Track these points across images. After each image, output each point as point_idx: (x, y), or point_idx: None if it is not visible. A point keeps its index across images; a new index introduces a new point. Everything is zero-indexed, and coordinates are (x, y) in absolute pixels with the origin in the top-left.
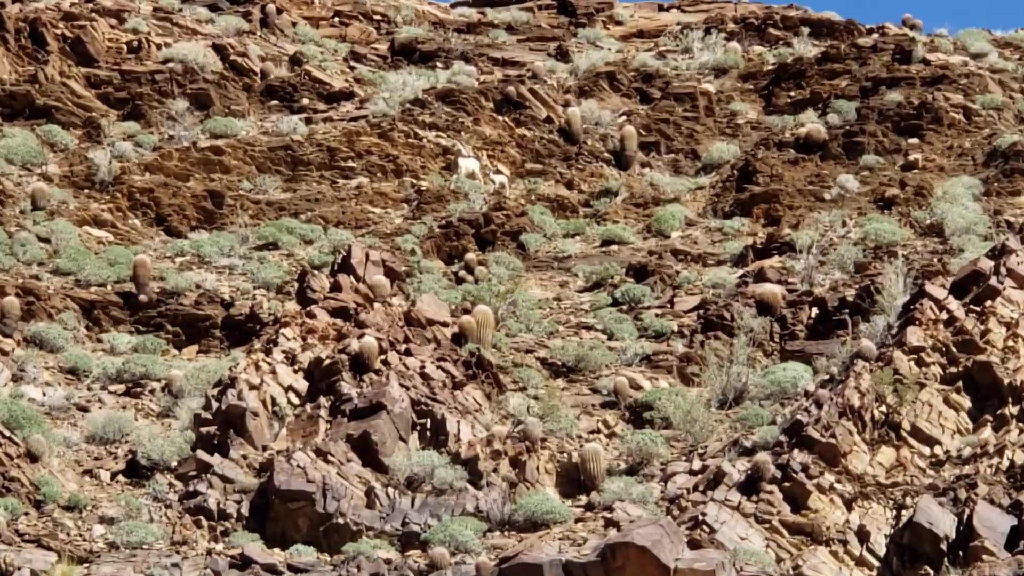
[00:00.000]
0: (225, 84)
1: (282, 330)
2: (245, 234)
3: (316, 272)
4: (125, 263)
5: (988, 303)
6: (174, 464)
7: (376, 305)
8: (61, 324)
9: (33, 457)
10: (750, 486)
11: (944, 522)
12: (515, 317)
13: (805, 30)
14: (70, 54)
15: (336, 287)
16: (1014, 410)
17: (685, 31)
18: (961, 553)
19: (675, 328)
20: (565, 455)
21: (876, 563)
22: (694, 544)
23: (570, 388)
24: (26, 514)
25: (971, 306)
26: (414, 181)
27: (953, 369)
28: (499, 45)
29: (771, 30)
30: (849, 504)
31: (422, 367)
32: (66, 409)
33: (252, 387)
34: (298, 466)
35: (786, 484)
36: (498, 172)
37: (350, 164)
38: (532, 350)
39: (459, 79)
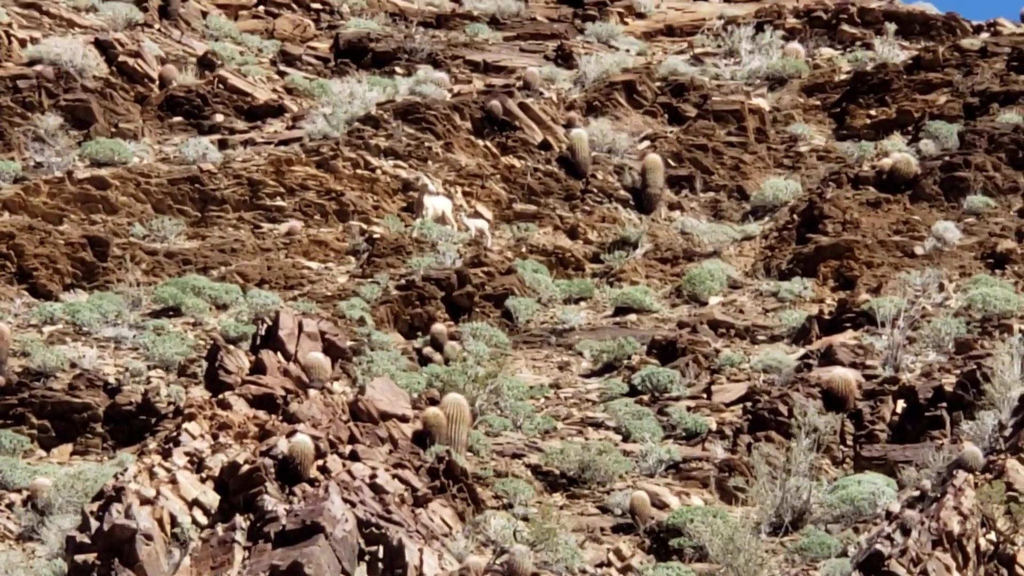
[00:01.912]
0: (112, 94)
1: (186, 425)
2: (137, 295)
3: (232, 348)
4: None
5: None
6: None
7: (312, 392)
8: None
9: None
10: None
11: None
12: (498, 410)
13: (891, 27)
14: None
15: (259, 368)
16: None
17: (729, 27)
18: None
19: (713, 426)
20: None
21: None
22: None
23: (571, 506)
24: None
25: None
26: (364, 226)
27: None
28: (480, 44)
29: (845, 27)
30: None
31: (373, 476)
32: None
33: (145, 501)
34: None
35: None
36: (477, 215)
37: (279, 203)
38: (521, 455)
39: (425, 89)
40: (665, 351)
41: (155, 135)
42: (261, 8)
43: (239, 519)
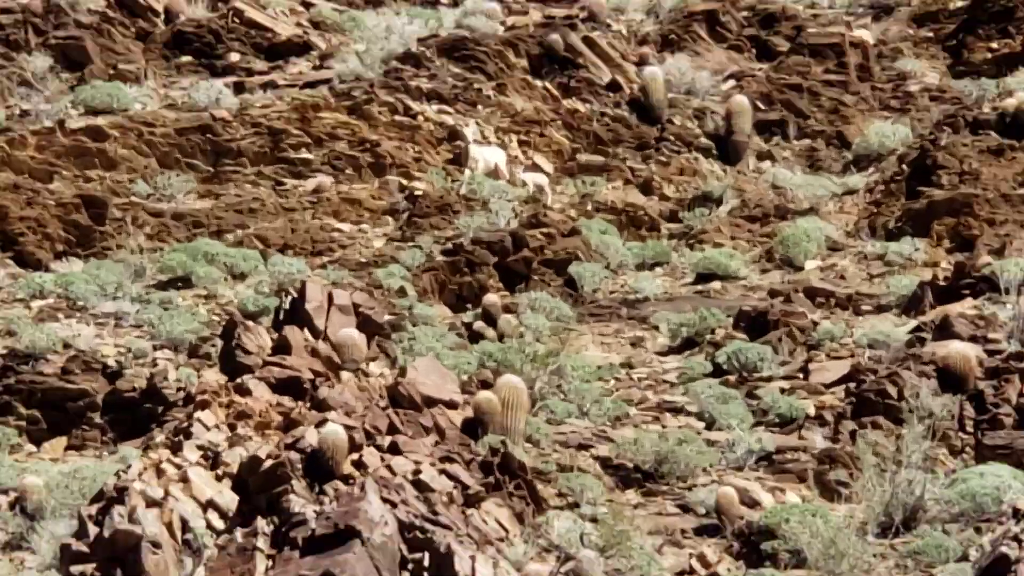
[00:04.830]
0: (109, 31)
1: (198, 414)
2: (140, 264)
3: (251, 324)
4: None
5: None
6: None
7: (345, 375)
8: None
9: None
10: None
11: None
12: (561, 394)
13: None
14: None
15: (282, 347)
16: None
17: None
18: None
19: (811, 411)
20: None
21: None
22: None
23: (647, 505)
24: None
25: None
26: (404, 182)
27: None
28: None
29: None
30: None
31: (416, 472)
32: None
33: (151, 503)
34: None
35: None
36: (535, 168)
37: (304, 155)
38: (588, 445)
39: (475, 23)
40: (755, 324)
41: (160, 78)
42: None
43: (261, 523)
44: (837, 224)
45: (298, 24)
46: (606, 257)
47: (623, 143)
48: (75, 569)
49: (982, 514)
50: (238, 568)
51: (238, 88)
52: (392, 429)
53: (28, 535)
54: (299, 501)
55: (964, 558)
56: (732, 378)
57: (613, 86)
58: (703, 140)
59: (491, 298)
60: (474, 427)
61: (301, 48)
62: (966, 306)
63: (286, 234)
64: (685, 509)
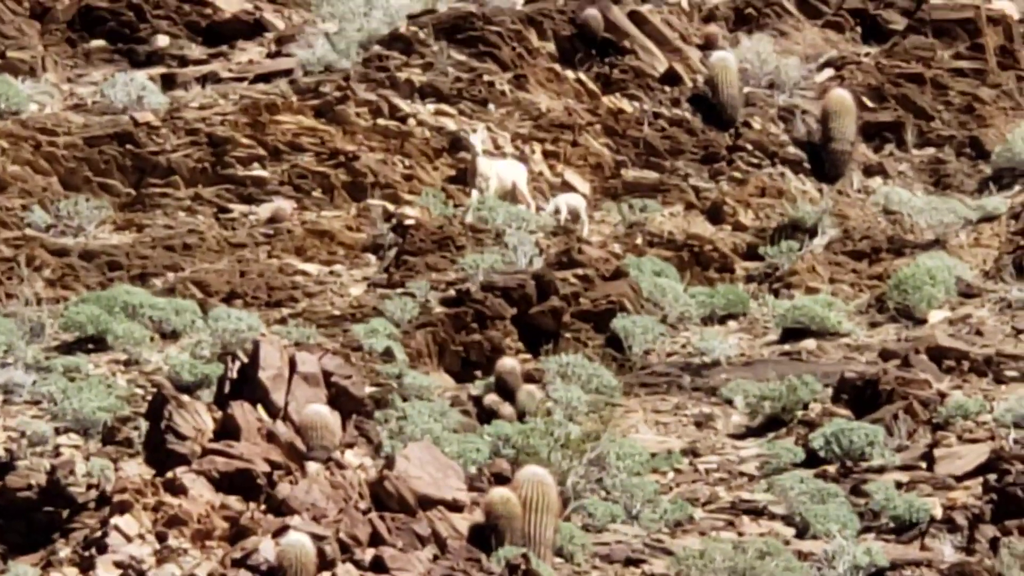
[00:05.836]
0: None
1: (116, 520)
2: (38, 319)
3: (186, 399)
4: None
5: None
6: None
7: (313, 467)
8: None
9: None
10: None
11: None
12: (603, 491)
13: None
14: None
15: (228, 430)
16: None
17: None
18: None
19: (938, 513)
20: None
21: None
22: None
23: None
24: None
25: None
26: (390, 208)
27: None
28: None
29: None
30: None
31: None
32: None
33: None
34: None
35: None
36: (566, 187)
37: (257, 172)
38: (639, 560)
39: None
40: (861, 396)
41: (63, 69)
42: None
43: None
44: (971, 262)
45: None
46: (662, 307)
47: (684, 154)
48: None
49: None
50: None
51: (167, 83)
52: (376, 539)
53: None
54: None
55: None
56: (832, 469)
57: (670, 78)
58: (791, 150)
59: (508, 363)
60: (486, 536)
61: (252, 29)
62: None
63: (233, 278)
64: None
